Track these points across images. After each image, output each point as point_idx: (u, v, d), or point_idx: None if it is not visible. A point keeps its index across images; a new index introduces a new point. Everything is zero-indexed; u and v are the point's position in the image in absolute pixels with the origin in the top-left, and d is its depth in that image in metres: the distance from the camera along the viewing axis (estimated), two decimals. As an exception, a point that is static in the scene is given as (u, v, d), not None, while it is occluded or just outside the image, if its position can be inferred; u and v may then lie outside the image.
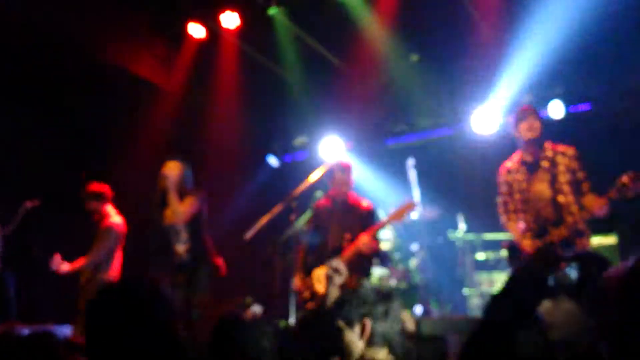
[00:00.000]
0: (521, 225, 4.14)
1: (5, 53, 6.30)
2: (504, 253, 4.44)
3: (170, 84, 7.59)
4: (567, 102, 6.48)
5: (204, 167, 7.64)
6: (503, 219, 4.29)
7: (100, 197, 5.65)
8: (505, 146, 6.57)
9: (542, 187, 4.01)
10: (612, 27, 5.94)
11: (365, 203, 4.88)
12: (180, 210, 4.78)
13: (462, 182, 6.94)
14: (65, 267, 5.35)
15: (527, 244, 3.95)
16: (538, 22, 6.18)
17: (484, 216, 6.33)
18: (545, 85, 6.63)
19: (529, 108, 4.23)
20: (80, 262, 5.40)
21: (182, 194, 4.89)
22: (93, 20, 6.66)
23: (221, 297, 6.22)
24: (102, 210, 5.62)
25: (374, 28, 6.87)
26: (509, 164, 4.30)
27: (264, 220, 5.00)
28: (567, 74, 6.52)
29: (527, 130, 4.05)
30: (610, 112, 6.30)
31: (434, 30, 6.89)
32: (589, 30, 5.85)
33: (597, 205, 3.66)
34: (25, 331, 5.51)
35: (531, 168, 4.11)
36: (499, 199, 4.33)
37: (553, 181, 3.97)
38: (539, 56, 6.37)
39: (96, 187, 5.68)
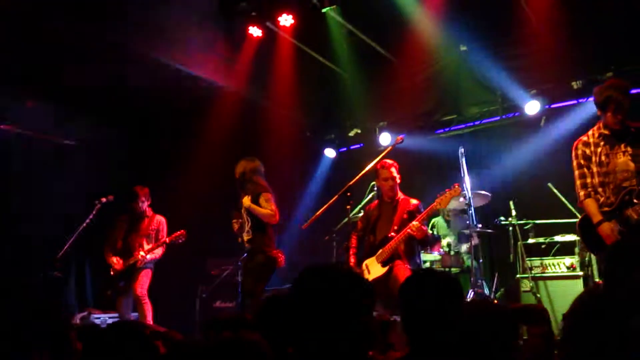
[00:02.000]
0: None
1: (72, 60, 6.76)
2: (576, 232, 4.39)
3: (231, 82, 8.02)
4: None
5: (263, 161, 8.09)
6: (580, 194, 4.17)
7: (146, 198, 6.25)
8: (551, 132, 6.73)
9: (625, 159, 4.01)
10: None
11: (413, 201, 5.14)
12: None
13: (511, 168, 7.06)
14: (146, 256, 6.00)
15: (608, 228, 3.91)
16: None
17: (534, 202, 6.49)
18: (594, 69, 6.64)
19: (622, 84, 4.11)
20: (155, 248, 6.03)
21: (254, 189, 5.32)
22: (157, 24, 7.11)
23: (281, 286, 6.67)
24: (147, 209, 6.27)
25: (423, 20, 7.05)
26: (585, 137, 4.23)
27: (321, 210, 5.34)
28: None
29: (617, 106, 3.96)
30: None
31: (481, 20, 7.02)
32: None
33: None
34: (104, 318, 6.17)
35: (612, 141, 4.07)
36: (576, 172, 4.20)
37: (636, 154, 3.98)
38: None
39: (140, 189, 6.26)
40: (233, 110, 7.95)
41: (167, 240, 6.04)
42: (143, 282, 6.01)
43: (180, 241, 6.01)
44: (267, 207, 5.35)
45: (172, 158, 7.86)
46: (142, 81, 7.17)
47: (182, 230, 6.02)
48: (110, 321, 5.95)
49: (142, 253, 5.96)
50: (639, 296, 1.95)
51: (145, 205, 6.26)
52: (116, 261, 6.04)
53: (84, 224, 5.97)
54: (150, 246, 6.08)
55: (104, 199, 6.13)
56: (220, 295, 7.29)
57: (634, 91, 6.44)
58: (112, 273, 6.05)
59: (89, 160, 7.77)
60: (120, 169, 7.80)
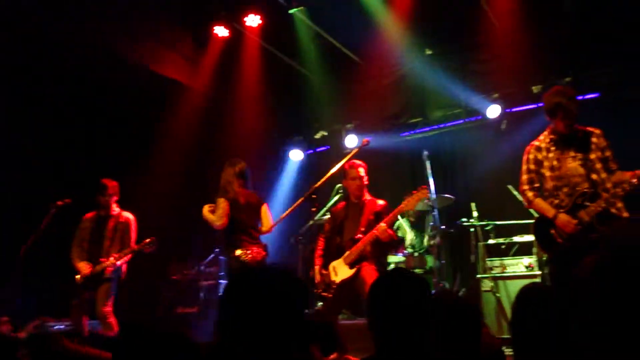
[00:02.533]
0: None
1: (32, 56, 6.65)
2: (532, 233, 4.47)
3: (197, 82, 7.98)
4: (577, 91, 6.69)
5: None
6: (529, 195, 4.30)
7: (114, 192, 5.87)
8: (512, 135, 6.92)
9: (575, 165, 4.12)
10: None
11: (380, 201, 5.18)
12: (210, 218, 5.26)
13: (474, 171, 7.23)
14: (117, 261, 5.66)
15: (565, 218, 4.04)
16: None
17: (495, 203, 6.67)
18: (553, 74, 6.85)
19: (568, 90, 4.23)
20: (124, 256, 5.70)
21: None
22: (123, 22, 7.02)
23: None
24: (112, 205, 5.87)
25: (390, 23, 7.15)
26: (537, 142, 4.35)
27: (286, 212, 5.37)
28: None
29: (566, 113, 4.08)
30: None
31: (446, 24, 7.17)
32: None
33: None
34: (58, 326, 5.84)
35: (562, 146, 4.20)
36: (524, 176, 4.35)
37: (585, 159, 4.10)
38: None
39: (108, 182, 5.86)
40: (198, 110, 7.92)
41: (136, 247, 5.68)
42: (107, 297, 5.61)
43: (148, 249, 5.67)
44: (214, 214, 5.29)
45: (133, 158, 7.75)
46: (104, 78, 7.07)
47: (152, 237, 5.68)
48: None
49: (111, 259, 5.61)
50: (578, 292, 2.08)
51: (112, 200, 5.87)
52: (83, 267, 5.66)
53: (41, 228, 5.70)
54: (117, 249, 5.72)
55: (60, 203, 5.81)
56: (182, 300, 7.16)
57: (589, 96, 6.75)
58: (77, 281, 5.64)
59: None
60: (79, 170, 7.63)
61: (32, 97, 7.05)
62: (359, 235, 4.97)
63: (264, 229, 5.42)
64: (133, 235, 5.87)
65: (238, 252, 5.18)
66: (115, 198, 5.92)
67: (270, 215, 5.51)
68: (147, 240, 5.67)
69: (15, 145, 7.09)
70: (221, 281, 7.08)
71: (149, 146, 7.68)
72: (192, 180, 7.86)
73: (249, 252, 5.20)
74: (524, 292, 2.31)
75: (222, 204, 5.24)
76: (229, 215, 5.24)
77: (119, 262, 5.67)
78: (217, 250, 7.23)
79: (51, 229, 5.75)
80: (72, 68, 6.87)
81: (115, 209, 5.92)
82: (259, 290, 1.75)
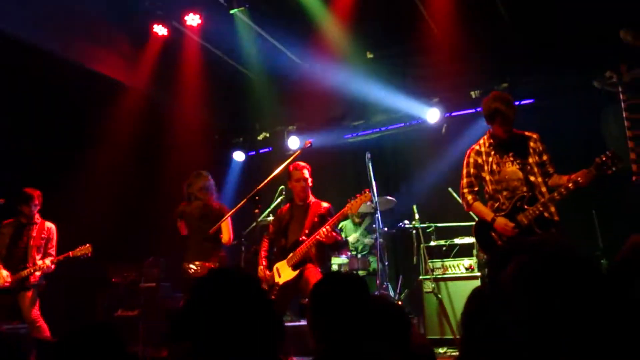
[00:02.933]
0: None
1: None
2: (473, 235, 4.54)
3: (135, 81, 7.72)
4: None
5: (168, 163, 7.86)
6: (468, 198, 4.37)
7: (38, 202, 5.74)
8: (452, 139, 7.07)
9: (513, 168, 4.20)
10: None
11: (324, 204, 5.18)
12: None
13: (415, 173, 7.33)
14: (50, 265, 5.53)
15: (503, 222, 4.11)
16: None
17: (436, 206, 6.78)
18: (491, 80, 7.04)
19: (506, 96, 4.32)
20: (49, 261, 5.56)
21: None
22: (60, 21, 6.73)
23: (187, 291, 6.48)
24: (35, 214, 5.74)
25: (331, 26, 7.15)
26: (477, 146, 4.43)
27: (228, 214, 5.26)
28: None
29: (504, 118, 4.17)
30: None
31: (387, 28, 7.23)
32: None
33: (582, 175, 3.86)
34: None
35: (501, 151, 4.28)
36: (464, 180, 4.42)
37: (523, 163, 4.18)
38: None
39: (33, 191, 5.74)
40: (137, 110, 7.66)
41: (71, 254, 5.54)
42: (34, 301, 5.44)
43: (84, 256, 5.53)
44: None
45: (70, 157, 7.41)
46: (36, 74, 6.72)
47: (87, 245, 5.54)
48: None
49: (44, 264, 5.46)
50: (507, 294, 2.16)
51: (36, 209, 5.70)
52: (6, 275, 5.41)
53: None
54: (39, 257, 5.55)
55: None
56: (122, 303, 6.96)
57: (525, 102, 6.98)
58: None
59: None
60: (9, 169, 7.23)
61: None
62: (303, 238, 4.93)
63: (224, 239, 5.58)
64: (54, 244, 5.76)
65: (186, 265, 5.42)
66: (38, 207, 5.76)
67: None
68: (82, 247, 5.55)
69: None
70: (163, 284, 6.91)
71: (85, 146, 7.37)
72: (131, 180, 7.61)
73: (192, 266, 5.35)
74: (475, 294, 2.32)
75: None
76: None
77: (52, 267, 5.54)
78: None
79: None
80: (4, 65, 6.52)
81: (38, 218, 5.76)
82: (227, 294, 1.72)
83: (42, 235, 5.67)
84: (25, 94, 6.97)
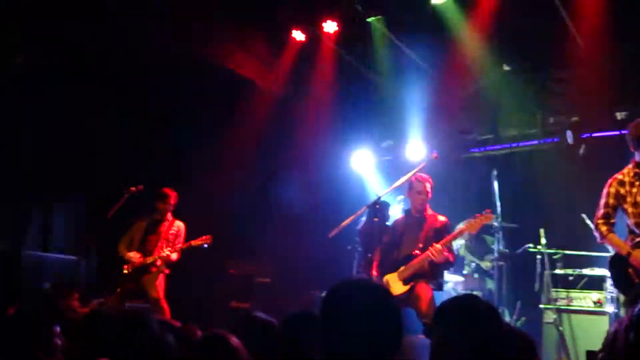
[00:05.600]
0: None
1: (118, 61, 7.00)
2: (607, 268, 4.28)
3: (270, 84, 8.08)
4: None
5: (293, 164, 8.14)
6: (602, 230, 4.11)
7: (174, 202, 6.21)
8: (591, 162, 6.57)
9: None
10: None
11: (441, 218, 5.06)
12: None
13: (545, 195, 6.91)
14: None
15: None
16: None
17: (566, 232, 6.33)
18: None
19: None
20: (178, 250, 6.01)
21: None
22: (205, 24, 7.22)
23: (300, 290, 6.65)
24: (168, 212, 6.21)
25: (468, 37, 6.97)
26: (621, 176, 4.13)
27: (348, 220, 5.31)
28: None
29: None
30: None
31: (527, 40, 6.90)
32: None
33: None
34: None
35: None
36: (602, 210, 4.14)
37: None
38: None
39: (171, 191, 6.22)
40: (267, 111, 8.01)
41: (192, 243, 5.97)
42: (159, 285, 5.97)
43: (205, 246, 5.94)
44: None
45: (199, 154, 7.93)
46: (177, 77, 7.25)
47: (208, 235, 5.95)
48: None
49: (165, 253, 5.90)
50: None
51: (170, 208, 6.21)
52: (134, 255, 5.98)
53: (112, 211, 6.05)
54: (168, 249, 6.00)
55: (133, 189, 6.21)
56: (237, 294, 7.29)
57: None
58: (125, 271, 5.97)
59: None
60: (152, 162, 7.88)
61: (108, 93, 7.36)
62: (417, 252, 4.86)
63: None
64: (181, 240, 6.16)
65: None
66: (171, 208, 6.23)
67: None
68: (203, 237, 5.94)
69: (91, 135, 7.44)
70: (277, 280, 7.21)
71: (219, 143, 7.85)
72: (254, 179, 7.98)
73: None
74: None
75: None
76: None
77: (172, 257, 5.95)
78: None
79: (123, 213, 6.12)
80: (148, 64, 7.13)
81: (169, 217, 6.24)
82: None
83: (172, 232, 6.14)
84: (170, 93, 7.57)
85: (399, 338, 1.79)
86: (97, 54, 6.97)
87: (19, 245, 6.85)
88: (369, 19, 7.18)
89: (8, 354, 2.55)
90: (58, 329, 2.70)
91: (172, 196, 6.19)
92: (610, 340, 2.25)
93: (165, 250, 5.95)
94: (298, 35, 7.60)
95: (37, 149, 7.23)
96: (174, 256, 5.98)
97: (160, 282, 5.99)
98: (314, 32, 7.59)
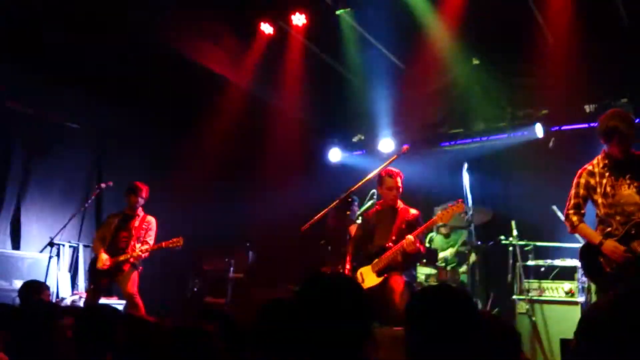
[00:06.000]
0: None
1: (94, 53, 6.79)
2: (577, 258, 4.29)
3: (239, 77, 7.95)
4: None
5: (265, 160, 8.03)
6: (573, 219, 4.10)
7: (145, 195, 6.14)
8: (560, 154, 6.62)
9: (630, 192, 3.89)
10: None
11: (413, 211, 5.04)
12: None
13: (516, 188, 6.95)
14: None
15: (612, 245, 3.81)
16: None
17: (537, 223, 6.37)
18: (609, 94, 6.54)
19: (626, 114, 4.00)
20: (148, 250, 5.92)
21: None
22: (173, 15, 7.05)
23: (274, 284, 6.58)
24: (140, 206, 6.14)
25: (438, 31, 6.95)
26: (590, 167, 4.11)
27: (320, 214, 5.23)
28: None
29: (622, 138, 3.85)
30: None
31: (497, 34, 6.92)
32: None
33: None
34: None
35: (617, 172, 3.97)
36: (572, 201, 4.13)
37: None
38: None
39: (142, 185, 6.15)
40: (238, 105, 7.89)
41: (164, 245, 5.91)
42: (133, 281, 5.91)
43: (176, 247, 5.86)
44: None
45: (171, 148, 7.78)
46: (145, 67, 7.09)
47: (179, 237, 5.89)
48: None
49: (136, 252, 5.84)
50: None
51: (141, 202, 6.13)
52: (105, 258, 5.89)
53: (82, 208, 6.15)
54: (139, 246, 5.94)
55: (103, 185, 6.20)
56: (212, 290, 7.23)
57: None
58: (98, 267, 5.90)
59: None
60: (122, 155, 7.72)
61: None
62: (390, 244, 4.81)
63: None
64: (153, 236, 6.11)
65: None
66: (142, 202, 6.15)
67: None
68: (174, 240, 5.87)
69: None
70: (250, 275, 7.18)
71: (186, 137, 7.71)
72: (226, 173, 7.87)
73: None
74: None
75: None
76: None
77: (143, 255, 5.91)
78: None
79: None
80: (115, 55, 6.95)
81: (140, 212, 6.17)
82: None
83: (143, 227, 6.07)
84: (133, 83, 7.39)
85: (368, 327, 1.92)
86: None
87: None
88: (337, 12, 7.10)
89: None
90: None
91: (144, 190, 6.11)
92: (586, 325, 2.21)
93: (137, 248, 5.88)
94: (266, 29, 7.47)
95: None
96: (145, 254, 5.91)
97: (134, 278, 5.92)
98: (282, 26, 7.48)
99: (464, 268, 6.26)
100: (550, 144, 6.90)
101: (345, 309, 1.85)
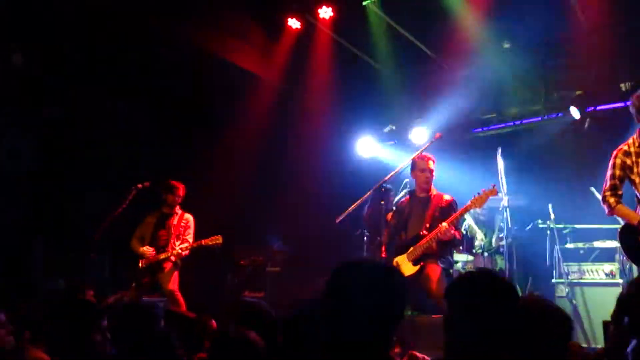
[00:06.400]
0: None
1: (118, 51, 6.95)
2: (617, 240, 4.23)
3: (268, 73, 8.03)
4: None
5: (297, 154, 8.10)
6: (610, 201, 4.05)
7: (182, 194, 6.25)
8: (597, 136, 6.50)
9: None
10: None
11: (447, 197, 5.02)
12: None
13: (552, 171, 6.85)
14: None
15: None
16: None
17: (574, 206, 6.28)
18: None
19: None
20: (188, 249, 6.03)
21: None
22: (199, 13, 7.15)
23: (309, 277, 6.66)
24: (177, 204, 6.23)
25: (467, 16, 6.88)
26: (626, 146, 4.06)
27: (354, 205, 5.28)
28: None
29: None
30: None
31: (527, 16, 6.81)
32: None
33: None
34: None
35: None
36: (609, 182, 4.08)
37: None
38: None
39: (179, 184, 6.25)
40: (268, 101, 7.96)
41: (203, 243, 6.01)
42: (174, 278, 6.04)
43: (215, 245, 5.96)
44: None
45: (202, 146, 7.89)
46: (171, 64, 7.21)
47: (218, 236, 5.97)
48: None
49: (177, 250, 5.95)
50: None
51: (178, 200, 6.24)
52: (147, 249, 6.03)
53: (120, 208, 6.03)
54: (179, 243, 6.05)
55: (140, 185, 6.20)
56: (249, 285, 7.34)
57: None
58: (140, 265, 6.03)
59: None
60: (152, 156, 7.86)
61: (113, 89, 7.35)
62: (424, 232, 4.82)
63: None
64: (192, 233, 6.21)
65: None
66: (180, 200, 6.25)
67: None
68: (213, 238, 5.95)
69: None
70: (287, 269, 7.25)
71: (219, 135, 7.82)
72: (260, 169, 7.96)
73: None
74: None
75: None
76: None
77: (184, 253, 6.01)
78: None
79: (130, 209, 6.10)
80: (143, 53, 7.09)
81: (178, 210, 6.27)
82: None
83: (182, 224, 6.18)
84: (165, 84, 7.52)
85: (401, 314, 1.84)
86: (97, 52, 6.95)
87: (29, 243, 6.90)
88: (364, 2, 7.10)
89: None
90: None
91: (180, 188, 6.22)
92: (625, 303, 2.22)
93: (177, 246, 6.00)
94: (294, 24, 7.52)
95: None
96: (186, 252, 6.03)
97: (175, 275, 6.05)
98: (309, 20, 7.52)
99: (501, 254, 6.21)
100: (586, 125, 6.78)
101: (375, 295, 1.78)
